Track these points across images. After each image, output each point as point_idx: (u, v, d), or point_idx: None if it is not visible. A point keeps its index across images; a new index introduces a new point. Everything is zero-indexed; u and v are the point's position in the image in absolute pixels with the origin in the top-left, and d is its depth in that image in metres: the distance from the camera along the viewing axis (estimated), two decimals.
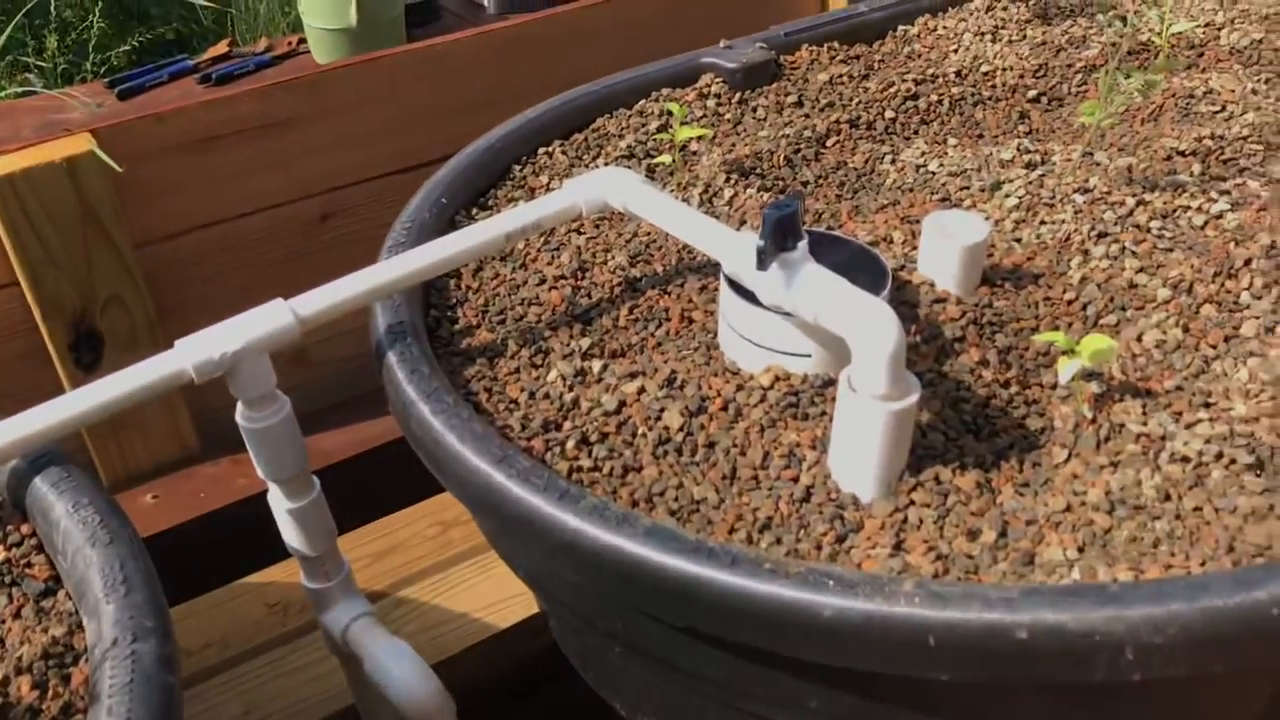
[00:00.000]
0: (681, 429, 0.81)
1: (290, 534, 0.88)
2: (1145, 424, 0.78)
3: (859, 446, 0.73)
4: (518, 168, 1.15)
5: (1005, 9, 1.43)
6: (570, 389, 0.86)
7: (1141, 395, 0.81)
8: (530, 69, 1.37)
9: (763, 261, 0.73)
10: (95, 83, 2.62)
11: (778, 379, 0.84)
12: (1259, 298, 0.88)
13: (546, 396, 0.85)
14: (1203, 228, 0.97)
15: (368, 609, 0.95)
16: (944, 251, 0.89)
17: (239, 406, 0.82)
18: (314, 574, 0.91)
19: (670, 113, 1.23)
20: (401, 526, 1.22)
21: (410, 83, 1.28)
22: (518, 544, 0.78)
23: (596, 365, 0.87)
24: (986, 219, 1.00)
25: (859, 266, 0.90)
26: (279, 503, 0.87)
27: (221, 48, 2.69)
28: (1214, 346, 0.85)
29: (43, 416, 0.74)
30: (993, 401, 0.82)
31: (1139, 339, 0.86)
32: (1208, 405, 0.79)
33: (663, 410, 0.82)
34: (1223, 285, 0.89)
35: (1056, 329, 0.88)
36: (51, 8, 3.62)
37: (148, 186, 1.17)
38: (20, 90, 3.65)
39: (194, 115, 1.17)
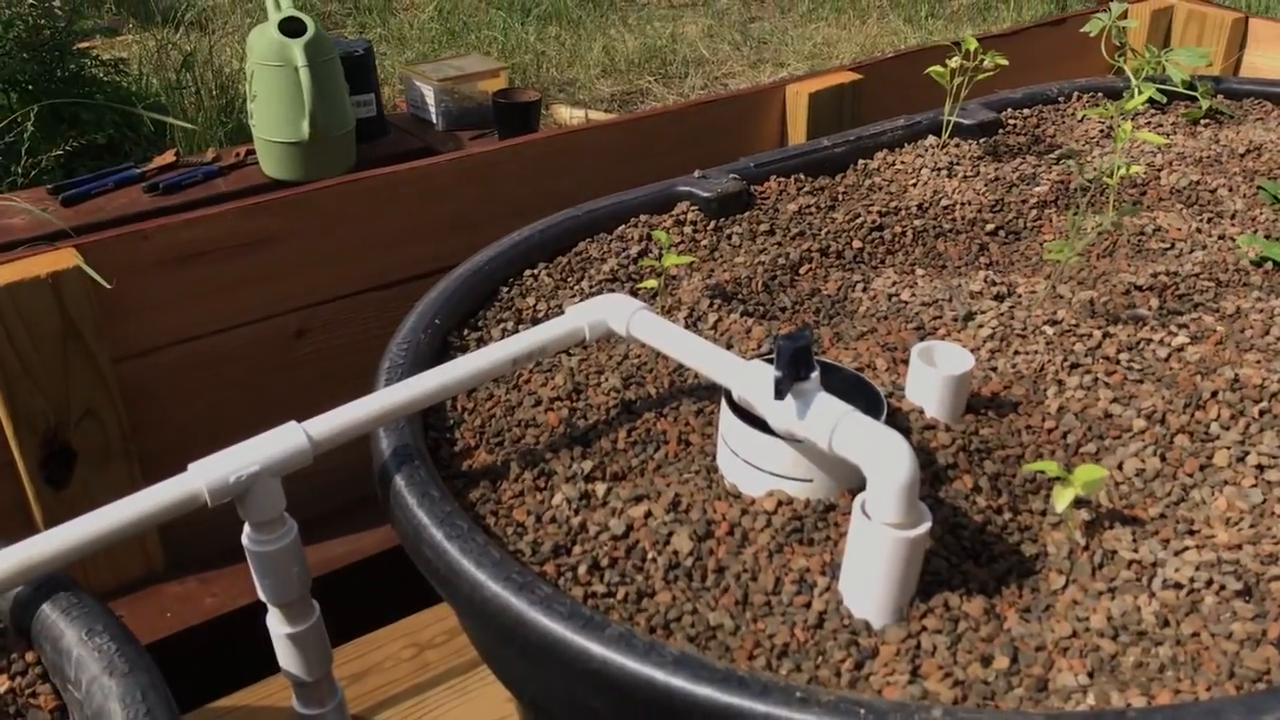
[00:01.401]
0: (691, 553, 0.82)
1: (288, 658, 0.87)
2: (1136, 550, 0.81)
3: (872, 573, 0.75)
4: (505, 289, 1.17)
5: (958, 145, 1.50)
6: (576, 512, 0.87)
7: (1129, 522, 0.85)
8: (506, 191, 1.40)
9: (780, 391, 0.76)
10: (38, 189, 2.61)
11: (781, 504, 0.86)
12: (1227, 428, 0.93)
13: (553, 520, 0.86)
14: (1167, 359, 1.02)
15: None
16: (932, 380, 0.93)
17: (246, 529, 0.82)
18: (309, 700, 0.90)
19: (650, 238, 1.27)
20: (375, 648, 1.20)
21: (388, 203, 1.31)
22: (535, 670, 0.78)
23: (600, 488, 0.89)
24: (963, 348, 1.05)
25: (853, 393, 0.93)
26: (279, 626, 0.86)
27: (168, 157, 2.69)
28: (1190, 475, 0.89)
29: (55, 540, 0.73)
30: (988, 527, 0.85)
31: (1120, 467, 0.90)
32: (1192, 532, 0.83)
33: (671, 534, 0.84)
34: (1193, 416, 0.94)
35: (1041, 457, 0.92)
36: None
37: (127, 302, 1.17)
38: None
39: (177, 232, 1.17)
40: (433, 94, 2.84)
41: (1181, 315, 1.10)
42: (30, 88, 3.82)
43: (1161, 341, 1.05)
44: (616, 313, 0.93)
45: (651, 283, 1.15)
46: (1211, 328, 1.07)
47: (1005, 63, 1.39)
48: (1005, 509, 0.87)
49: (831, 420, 0.76)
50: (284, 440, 0.80)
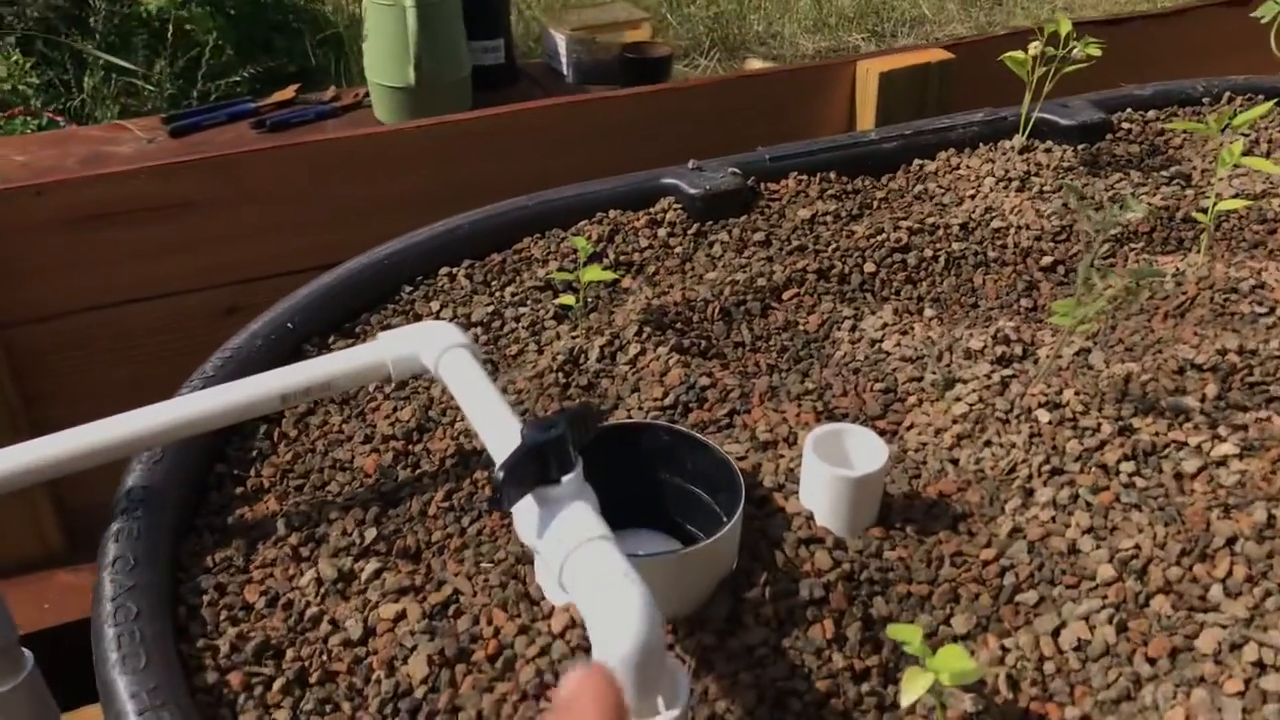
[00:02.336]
0: (425, 681, 0.63)
1: None
2: None
3: None
4: (409, 289, 0.99)
5: (1048, 151, 1.22)
6: (321, 599, 0.69)
7: None
8: (486, 168, 1.22)
9: (497, 500, 0.55)
10: (154, 118, 2.59)
11: (575, 623, 0.66)
12: (1234, 595, 0.66)
13: (287, 606, 0.68)
14: (1192, 478, 0.75)
15: None
16: (824, 480, 0.70)
17: None
18: None
19: (615, 237, 1.07)
20: None
21: (334, 173, 1.15)
22: None
23: (369, 568, 0.70)
24: (923, 429, 0.80)
25: (717, 482, 0.71)
26: None
27: (288, 93, 2.62)
28: (1153, 661, 0.63)
29: None
30: (833, 701, 0.62)
31: (1055, 634, 0.65)
32: None
33: (413, 650, 0.65)
34: (1189, 571, 0.68)
35: (956, 601, 0.68)
36: (169, 31, 3.65)
37: (18, 264, 1.06)
38: (119, 112, 3.70)
39: (78, 189, 1.05)
40: (564, 44, 2.67)
41: (1244, 413, 0.81)
42: (232, 11, 3.87)
43: (1196, 448, 0.77)
44: (430, 346, 0.74)
45: (569, 299, 0.95)
46: (1277, 436, 0.78)
47: (1097, 53, 1.10)
48: (874, 674, 0.63)
49: (567, 546, 0.55)
50: None
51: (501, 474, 0.55)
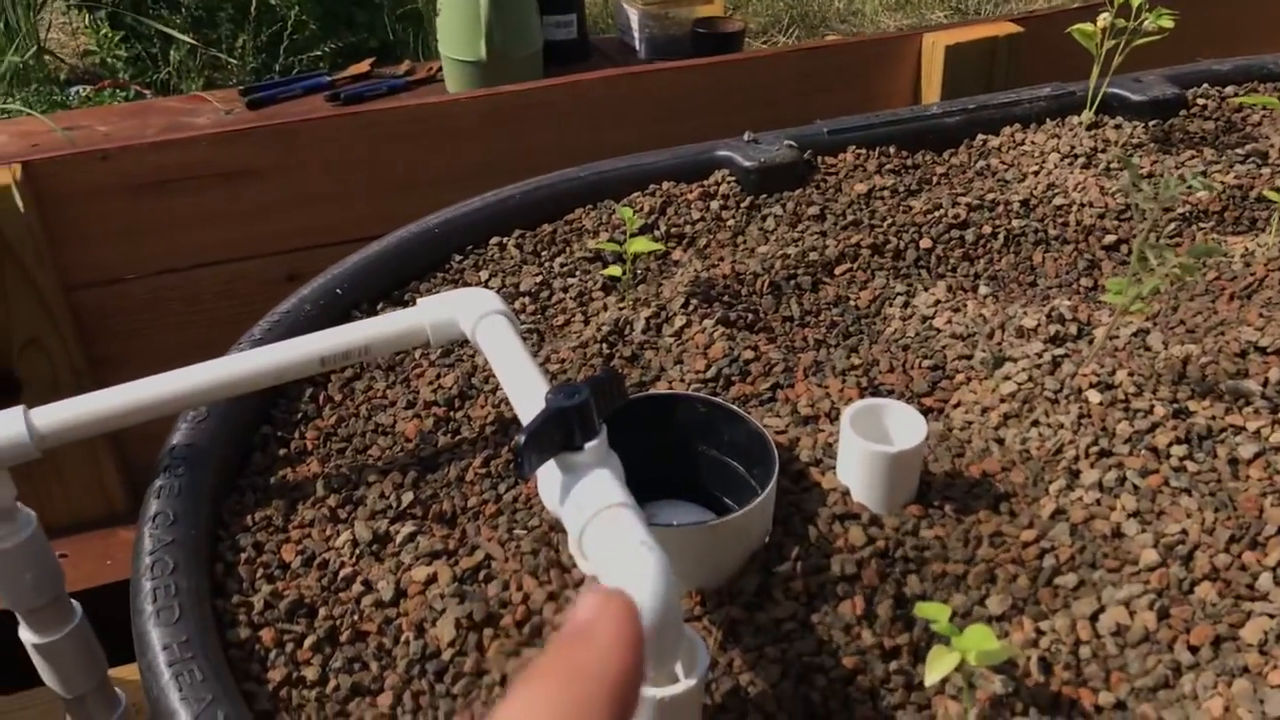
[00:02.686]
0: (452, 644, 0.63)
1: (43, 671, 0.76)
2: None
3: None
4: (458, 258, 0.99)
5: (1117, 127, 1.18)
6: (355, 560, 0.70)
7: (1061, 710, 0.59)
8: (546, 138, 1.22)
9: (521, 465, 0.55)
10: (233, 90, 2.63)
11: None
12: None
13: (322, 566, 0.69)
14: (1247, 464, 0.73)
15: None
16: (860, 456, 0.69)
17: None
18: (78, 718, 0.78)
19: (667, 209, 1.06)
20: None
21: (396, 142, 1.15)
22: None
23: (404, 531, 0.71)
24: (970, 408, 0.79)
25: (752, 454, 0.70)
26: (26, 635, 0.74)
27: (363, 66, 2.65)
28: (1194, 649, 0.61)
29: None
30: (859, 678, 0.61)
31: (1093, 618, 0.64)
32: None
33: (442, 613, 0.65)
34: (1238, 558, 0.66)
35: (993, 582, 0.66)
36: (252, 5, 3.71)
37: (85, 227, 1.08)
38: (203, 85, 3.76)
39: (142, 156, 1.07)
40: (636, 18, 2.66)
41: None
42: None
43: (1255, 434, 0.74)
44: (468, 312, 0.74)
45: (615, 270, 0.94)
46: None
47: (1170, 25, 1.06)
48: (904, 652, 0.63)
49: (587, 512, 0.55)
50: None
51: (523, 439, 0.55)
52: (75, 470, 1.17)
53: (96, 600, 0.94)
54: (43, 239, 1.05)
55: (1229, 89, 1.26)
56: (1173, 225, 1.03)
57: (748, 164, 1.08)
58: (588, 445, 0.57)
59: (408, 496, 0.74)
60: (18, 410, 0.68)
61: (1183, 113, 1.21)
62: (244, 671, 0.62)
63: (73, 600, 0.76)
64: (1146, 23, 1.07)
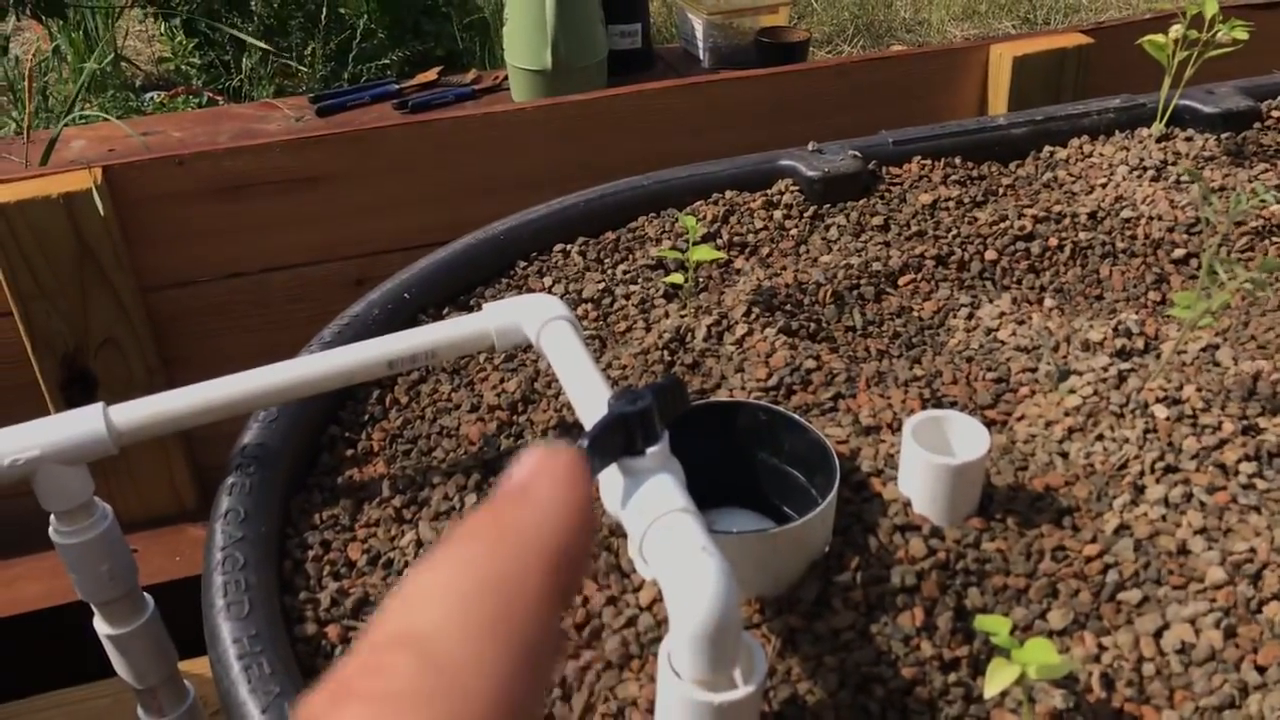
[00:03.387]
0: None
1: (116, 662, 0.78)
2: None
3: None
4: (523, 264, 1.01)
5: (1188, 139, 1.17)
6: (419, 560, 0.71)
7: None
8: (608, 148, 1.23)
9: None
10: (303, 97, 2.68)
11: (663, 596, 0.66)
12: None
13: (387, 565, 0.71)
14: None
15: None
16: (922, 467, 0.69)
17: (51, 518, 0.72)
18: (147, 708, 0.80)
19: (729, 218, 1.06)
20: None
21: (462, 150, 1.17)
22: None
23: None
24: (1034, 421, 0.78)
25: (813, 464, 0.71)
26: (100, 627, 0.76)
27: (430, 75, 2.69)
28: (1262, 669, 0.61)
29: None
30: (918, 689, 0.61)
31: (1157, 635, 0.63)
32: None
33: None
34: None
35: (1055, 596, 0.66)
36: (323, 14, 3.77)
37: (161, 230, 1.11)
38: (274, 92, 3.83)
39: (217, 161, 1.10)
40: (701, 28, 2.67)
41: None
42: None
43: None
44: (532, 317, 0.75)
45: (677, 277, 0.95)
46: None
47: (1244, 36, 1.05)
48: (963, 664, 0.62)
49: (648, 517, 0.55)
50: (77, 424, 0.69)
51: (585, 443, 0.56)
52: (147, 468, 1.20)
53: (165, 595, 0.97)
54: (120, 241, 1.08)
55: None
56: (1244, 239, 1.02)
57: (811, 173, 1.08)
58: (650, 450, 0.57)
59: (471, 498, 0.75)
60: (97, 407, 0.70)
61: (1256, 125, 1.19)
62: (310, 666, 0.64)
63: (145, 594, 0.78)
64: (1220, 34, 1.06)
